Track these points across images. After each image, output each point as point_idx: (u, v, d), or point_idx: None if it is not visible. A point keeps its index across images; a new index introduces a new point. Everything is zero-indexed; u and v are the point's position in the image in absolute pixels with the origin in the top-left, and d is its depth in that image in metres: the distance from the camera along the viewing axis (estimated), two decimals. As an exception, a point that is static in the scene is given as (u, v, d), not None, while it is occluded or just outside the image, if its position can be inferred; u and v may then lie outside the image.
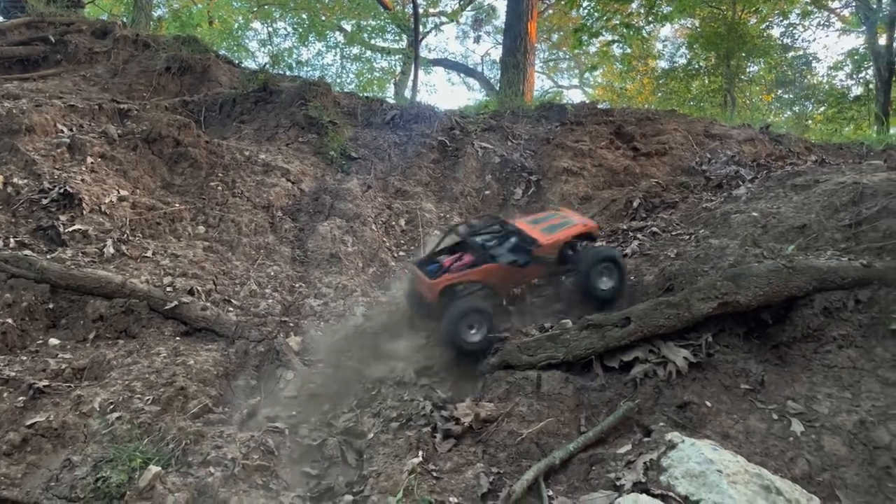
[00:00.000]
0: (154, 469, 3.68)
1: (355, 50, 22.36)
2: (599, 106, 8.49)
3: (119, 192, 5.90)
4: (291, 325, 5.15)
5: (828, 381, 4.11)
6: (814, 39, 38.33)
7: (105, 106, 7.28)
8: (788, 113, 21.83)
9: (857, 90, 17.61)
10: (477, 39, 26.46)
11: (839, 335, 4.24)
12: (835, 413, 3.92)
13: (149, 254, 5.45)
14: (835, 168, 6.02)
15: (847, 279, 4.32)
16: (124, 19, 13.79)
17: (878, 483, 3.60)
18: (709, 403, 4.07)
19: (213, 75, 8.61)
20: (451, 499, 3.64)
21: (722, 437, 3.84)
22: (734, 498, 3.32)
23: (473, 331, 4.56)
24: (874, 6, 14.66)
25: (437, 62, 25.24)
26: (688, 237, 5.24)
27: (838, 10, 18.53)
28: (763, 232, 4.98)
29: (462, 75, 27.37)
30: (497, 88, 17.27)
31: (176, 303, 5.08)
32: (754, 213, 5.24)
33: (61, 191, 5.66)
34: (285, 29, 20.28)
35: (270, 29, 20.61)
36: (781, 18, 18.71)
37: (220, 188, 6.25)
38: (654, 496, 3.40)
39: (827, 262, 4.42)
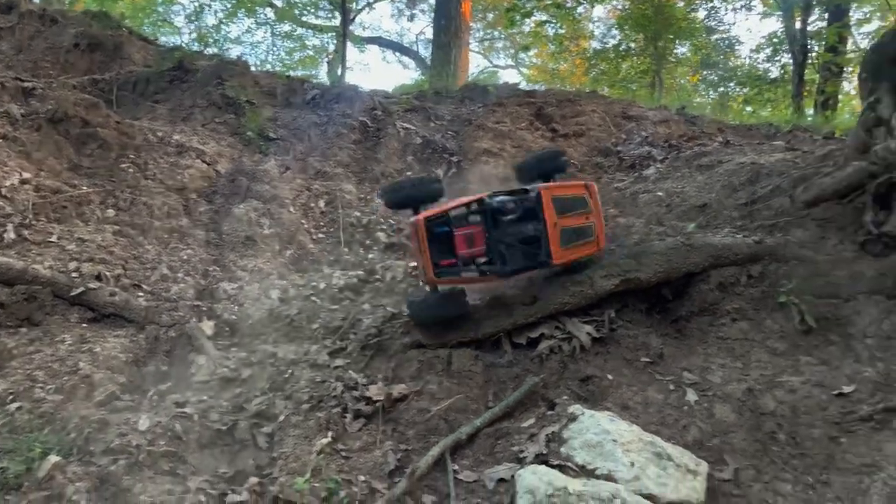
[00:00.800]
0: (53, 459, 3.60)
1: (286, 27, 21.88)
2: (522, 87, 8.60)
3: (21, 175, 5.66)
4: (205, 309, 5.08)
5: (721, 352, 4.34)
6: (734, 23, 39.48)
7: (8, 84, 6.93)
8: (713, 94, 22.52)
9: (776, 73, 18.30)
10: (411, 18, 26.27)
11: (733, 308, 4.48)
12: (726, 382, 4.14)
13: (53, 238, 5.27)
14: (738, 149, 6.29)
15: (740, 255, 4.56)
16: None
17: (763, 447, 3.83)
18: (610, 376, 4.24)
19: (125, 53, 8.31)
20: (359, 477, 3.70)
21: (622, 409, 4.01)
22: (626, 465, 3.49)
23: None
24: (790, -10, 15.19)
25: (370, 40, 24.92)
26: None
27: (761, -8, 19.11)
28: (667, 211, 5.18)
29: (397, 54, 27.16)
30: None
31: (82, 289, 4.94)
32: (660, 193, 5.45)
33: (-43, 174, 5.40)
34: (210, 6, 19.59)
35: (196, 4, 19.88)
36: (706, 1, 19.23)
37: (131, 170, 6.07)
38: (553, 466, 3.54)
39: (722, 239, 4.65)
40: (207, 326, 4.96)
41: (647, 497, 3.34)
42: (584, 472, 3.50)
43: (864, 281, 4.33)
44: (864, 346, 4.12)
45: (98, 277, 5.07)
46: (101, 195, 5.80)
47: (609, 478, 3.43)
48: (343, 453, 3.85)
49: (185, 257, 5.50)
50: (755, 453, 3.81)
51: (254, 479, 3.61)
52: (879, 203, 4.48)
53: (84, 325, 4.81)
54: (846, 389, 3.91)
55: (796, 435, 3.82)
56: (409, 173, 6.94)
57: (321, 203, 6.30)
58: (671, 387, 4.20)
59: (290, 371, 4.49)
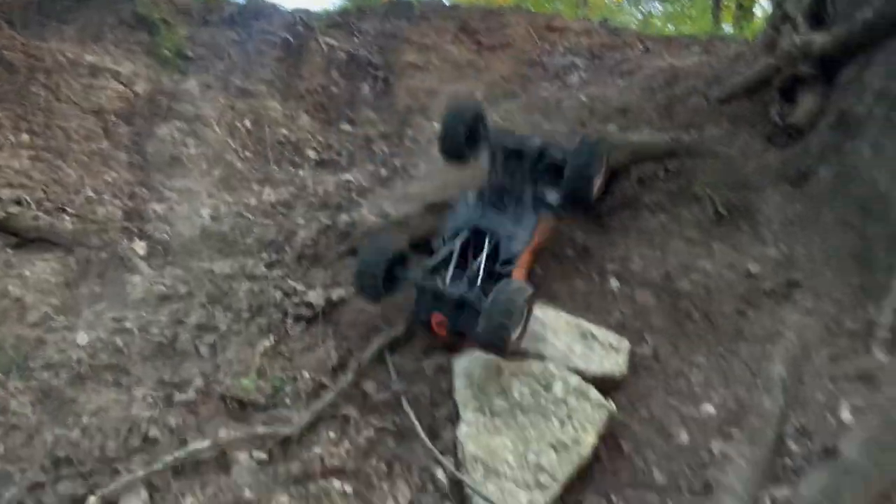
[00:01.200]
0: (-8, 377, 3.62)
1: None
2: (445, 2, 8.54)
3: (-77, 102, 5.34)
4: (135, 230, 5.01)
5: (641, 243, 4.59)
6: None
7: None
8: (639, 15, 22.67)
9: (696, -12, 18.53)
10: (330, -63, 25.13)
11: (651, 202, 4.72)
12: (646, 269, 4.42)
13: (-35, 166, 5.05)
14: (657, 55, 6.49)
15: (658, 151, 4.79)
16: None
17: (678, 325, 4.14)
18: (540, 271, 4.46)
19: (23, -30, 7.77)
20: (304, 374, 3.85)
21: (551, 299, 4.24)
22: (555, 345, 3.74)
23: None
24: None
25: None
26: (523, 124, 5.51)
27: None
28: (590, 115, 5.34)
29: (317, -23, 26.03)
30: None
31: (3, 214, 4.78)
32: (583, 98, 5.60)
33: None
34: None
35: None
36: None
37: (42, 93, 5.78)
38: (486, 351, 3.75)
39: (641, 137, 4.86)
40: (139, 247, 4.91)
41: (575, 371, 3.61)
42: (517, 353, 3.74)
43: (771, 171, 4.63)
44: (769, 231, 4.42)
45: (18, 202, 4.90)
46: (12, 120, 5.52)
47: (540, 357, 3.68)
48: (286, 355, 3.97)
49: (109, 180, 5.35)
50: (672, 331, 4.13)
51: (199, 382, 3.71)
52: (784, 96, 4.75)
53: (9, 250, 4.67)
54: (753, 269, 4.23)
55: (709, 312, 4.14)
56: (333, 90, 6.88)
57: (246, 122, 6.19)
58: (595, 277, 4.46)
59: (227, 284, 4.52)
